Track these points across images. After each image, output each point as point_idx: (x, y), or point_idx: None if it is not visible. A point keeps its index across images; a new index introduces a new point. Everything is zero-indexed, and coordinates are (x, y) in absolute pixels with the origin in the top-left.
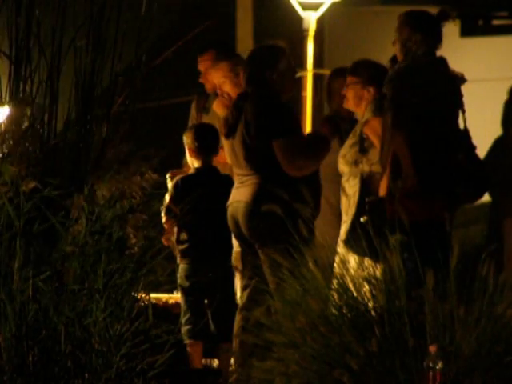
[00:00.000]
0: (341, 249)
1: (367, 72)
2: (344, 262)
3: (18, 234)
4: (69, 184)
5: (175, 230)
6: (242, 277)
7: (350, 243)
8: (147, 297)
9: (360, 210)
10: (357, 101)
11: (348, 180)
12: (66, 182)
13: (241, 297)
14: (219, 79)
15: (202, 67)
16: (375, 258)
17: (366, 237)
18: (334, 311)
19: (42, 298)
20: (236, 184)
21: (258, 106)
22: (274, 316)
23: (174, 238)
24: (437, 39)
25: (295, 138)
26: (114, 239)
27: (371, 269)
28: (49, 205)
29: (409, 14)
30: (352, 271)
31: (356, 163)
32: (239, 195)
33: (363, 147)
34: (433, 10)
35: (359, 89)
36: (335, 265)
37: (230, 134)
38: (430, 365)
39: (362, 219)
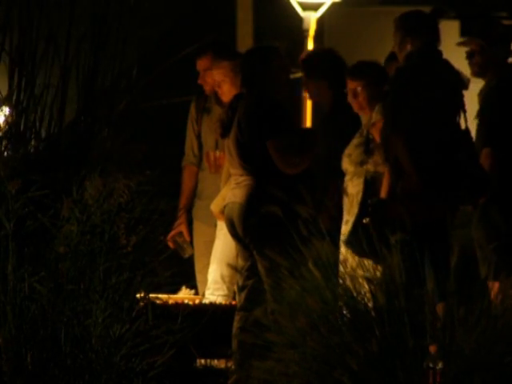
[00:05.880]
0: (342, 248)
1: (375, 72)
2: (344, 262)
3: (10, 234)
4: (55, 184)
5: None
6: (240, 277)
7: (351, 244)
8: (148, 296)
9: (363, 210)
10: (372, 102)
11: (352, 179)
12: (53, 181)
13: (239, 297)
14: (219, 77)
15: (200, 68)
16: (376, 259)
17: (368, 238)
18: (334, 311)
19: (39, 299)
20: (232, 185)
21: (249, 105)
22: (272, 316)
23: (180, 239)
24: (433, 37)
25: (288, 137)
26: (106, 239)
27: (371, 269)
28: (37, 204)
29: (401, 16)
30: (351, 271)
31: (361, 163)
32: (234, 196)
33: (369, 148)
34: None
35: (373, 89)
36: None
37: (225, 134)
38: (430, 365)
39: (364, 220)
